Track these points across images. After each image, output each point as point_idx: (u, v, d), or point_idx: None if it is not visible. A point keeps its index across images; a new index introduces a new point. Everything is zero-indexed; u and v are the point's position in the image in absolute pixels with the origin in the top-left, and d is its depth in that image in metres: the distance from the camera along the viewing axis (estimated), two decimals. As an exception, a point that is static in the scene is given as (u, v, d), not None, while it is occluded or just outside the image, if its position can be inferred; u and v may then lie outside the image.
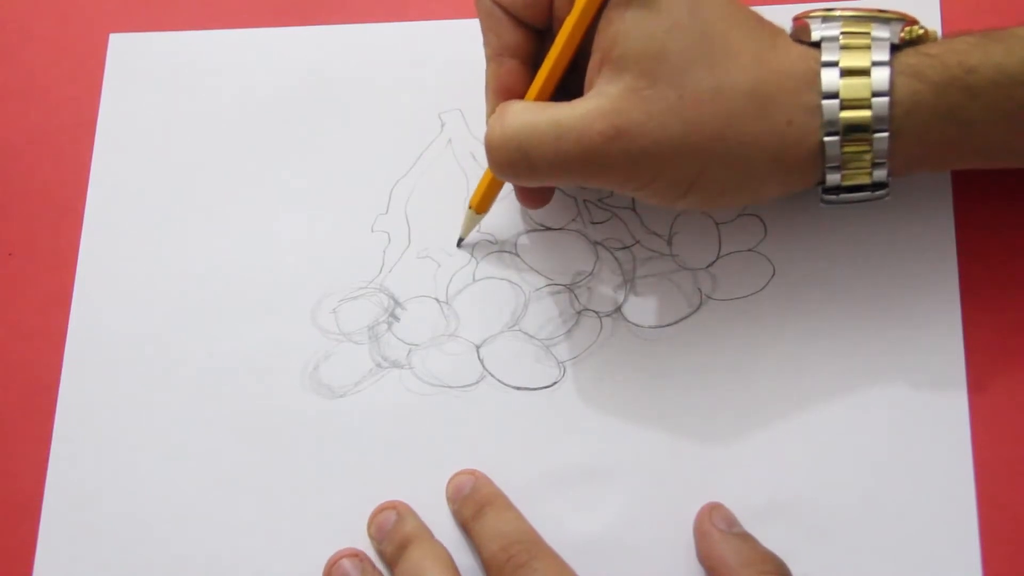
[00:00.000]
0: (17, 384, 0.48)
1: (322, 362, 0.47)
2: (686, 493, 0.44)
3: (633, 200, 0.48)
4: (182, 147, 0.51)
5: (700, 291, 0.47)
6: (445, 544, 0.44)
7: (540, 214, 0.48)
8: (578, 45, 0.42)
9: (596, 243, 0.48)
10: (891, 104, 0.39)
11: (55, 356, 0.48)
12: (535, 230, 0.48)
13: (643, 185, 0.41)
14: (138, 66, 0.52)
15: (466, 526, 0.44)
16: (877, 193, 0.42)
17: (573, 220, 0.48)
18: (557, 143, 0.40)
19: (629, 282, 0.47)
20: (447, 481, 0.45)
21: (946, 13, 0.48)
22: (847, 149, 0.40)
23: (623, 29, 0.40)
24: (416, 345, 0.47)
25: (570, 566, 0.43)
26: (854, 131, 0.40)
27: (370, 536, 0.45)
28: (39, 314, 0.49)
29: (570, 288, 0.47)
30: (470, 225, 0.48)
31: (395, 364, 0.47)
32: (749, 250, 0.47)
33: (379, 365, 0.47)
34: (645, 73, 0.40)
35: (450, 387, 0.47)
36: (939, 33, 0.42)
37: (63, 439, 0.47)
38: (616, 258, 0.47)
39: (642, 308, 0.47)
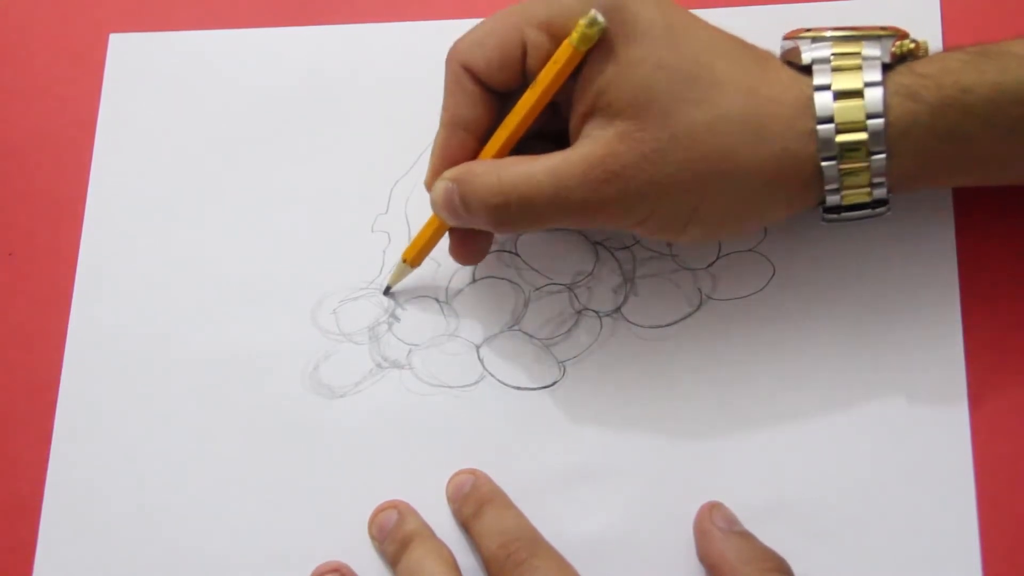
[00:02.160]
0: (17, 384, 0.48)
1: (322, 362, 0.47)
2: (686, 493, 0.44)
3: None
4: (182, 147, 0.51)
5: (700, 291, 0.47)
6: (446, 543, 0.44)
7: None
8: (543, 108, 0.43)
9: (596, 243, 0.48)
10: (886, 124, 0.39)
11: (55, 356, 0.48)
12: (535, 230, 0.48)
13: (639, 223, 0.41)
14: (138, 66, 0.52)
15: (466, 524, 0.44)
16: (878, 210, 0.42)
17: (573, 220, 0.48)
18: (557, 191, 0.41)
19: (629, 282, 0.47)
20: (447, 480, 0.45)
21: (946, 14, 0.48)
22: (845, 171, 0.40)
23: (606, 82, 0.40)
24: (416, 345, 0.47)
25: (570, 564, 0.43)
26: (851, 153, 0.40)
27: (371, 536, 0.45)
28: (39, 314, 0.49)
29: (570, 288, 0.47)
30: (399, 276, 0.47)
31: (395, 364, 0.47)
32: (749, 250, 0.47)
33: (379, 365, 0.47)
34: (635, 117, 0.40)
35: (450, 387, 0.47)
36: (932, 44, 0.42)
37: (63, 439, 0.47)
38: (616, 258, 0.47)
39: (642, 308, 0.47)
